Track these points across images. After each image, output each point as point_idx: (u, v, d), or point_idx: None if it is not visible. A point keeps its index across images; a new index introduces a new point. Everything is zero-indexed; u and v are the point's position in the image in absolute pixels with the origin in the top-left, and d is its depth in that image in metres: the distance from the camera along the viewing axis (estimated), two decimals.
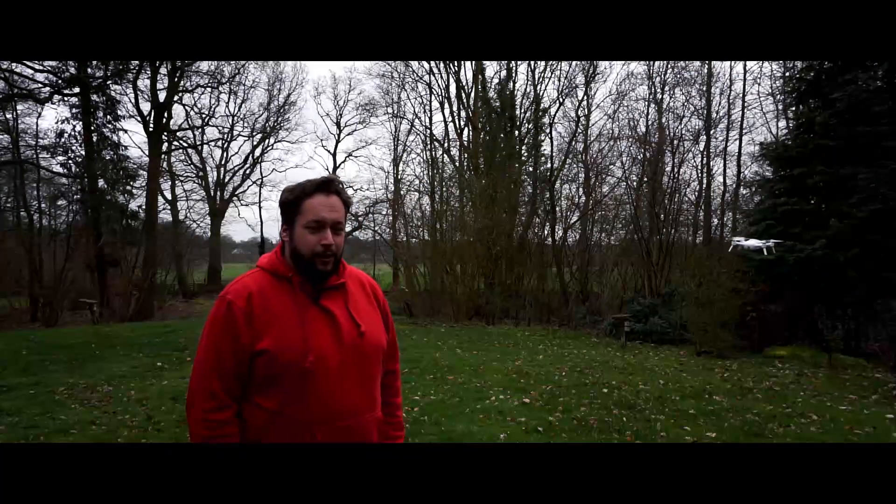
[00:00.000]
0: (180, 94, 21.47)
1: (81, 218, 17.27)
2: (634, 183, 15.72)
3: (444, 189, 18.37)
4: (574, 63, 17.53)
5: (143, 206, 18.89)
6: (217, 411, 1.33)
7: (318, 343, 1.36)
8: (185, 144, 27.07)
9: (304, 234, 1.38)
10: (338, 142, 33.12)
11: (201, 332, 1.40)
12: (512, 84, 19.14)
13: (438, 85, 21.67)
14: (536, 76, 18.24)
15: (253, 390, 1.37)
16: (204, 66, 20.96)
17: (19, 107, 18.10)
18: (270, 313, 1.36)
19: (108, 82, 17.74)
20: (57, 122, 28.93)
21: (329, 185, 1.41)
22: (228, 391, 1.35)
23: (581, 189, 17.35)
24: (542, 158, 18.59)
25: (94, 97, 17.33)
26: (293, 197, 1.40)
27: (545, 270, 16.38)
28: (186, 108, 26.67)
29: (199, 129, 27.60)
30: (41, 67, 15.65)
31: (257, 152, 30.74)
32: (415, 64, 21.03)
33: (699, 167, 15.73)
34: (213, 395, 1.33)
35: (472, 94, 19.72)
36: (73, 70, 16.35)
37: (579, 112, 17.69)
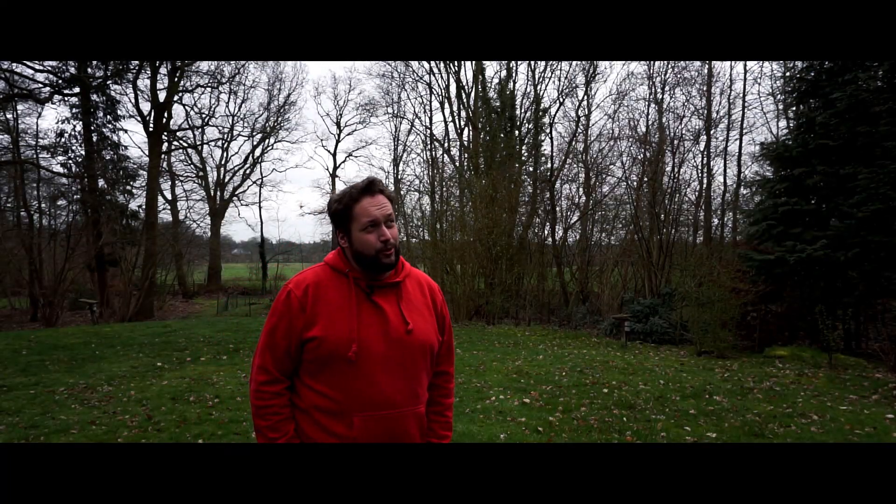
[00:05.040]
0: (180, 94, 21.50)
1: (81, 218, 17.27)
2: (634, 183, 15.72)
3: (444, 189, 18.39)
4: (574, 63, 17.55)
5: (143, 206, 18.91)
6: (269, 384, 1.46)
7: (364, 335, 1.44)
8: (185, 144, 27.11)
9: (362, 236, 1.48)
10: (338, 142, 33.19)
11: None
12: (512, 84, 19.17)
13: (438, 85, 21.70)
14: (536, 76, 18.26)
15: (304, 372, 1.49)
16: (204, 66, 21.01)
17: (19, 107, 18.14)
18: (324, 303, 1.47)
19: (108, 82, 17.75)
20: (57, 122, 29.03)
21: (373, 187, 1.50)
22: (280, 369, 1.47)
23: (581, 189, 17.38)
24: (542, 158, 18.61)
25: (94, 97, 17.34)
26: (342, 206, 1.50)
27: (545, 270, 16.38)
28: (186, 108, 26.76)
29: (199, 129, 27.66)
30: (41, 67, 15.67)
31: (257, 152, 30.80)
32: (415, 64, 21.07)
33: (699, 167, 15.74)
34: (266, 370, 1.47)
35: (472, 94, 19.73)
36: (73, 70, 16.36)
37: (579, 112, 17.71)
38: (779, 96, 15.02)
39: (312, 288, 1.47)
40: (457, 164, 19.89)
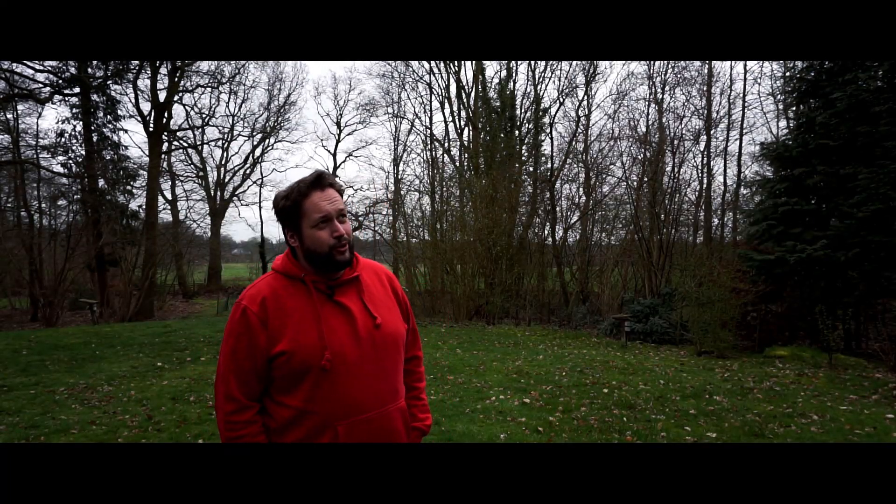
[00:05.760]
0: (180, 94, 21.50)
1: (81, 218, 17.27)
2: (634, 183, 15.72)
3: (444, 189, 18.39)
4: (574, 63, 17.55)
5: (143, 206, 18.91)
6: (237, 413, 1.36)
7: (334, 340, 1.37)
8: (185, 144, 27.12)
9: (314, 233, 1.39)
10: (338, 142, 33.17)
11: (222, 337, 1.43)
12: (512, 84, 19.16)
13: (438, 85, 21.70)
14: (536, 76, 18.26)
15: (275, 390, 1.39)
16: (204, 66, 21.01)
17: (20, 107, 18.15)
18: (285, 315, 1.37)
19: (108, 82, 17.74)
20: (57, 122, 29.03)
21: (322, 180, 1.42)
22: (247, 394, 1.37)
23: (581, 189, 17.38)
24: (542, 158, 18.60)
25: (94, 97, 17.34)
26: (291, 202, 1.41)
27: (545, 270, 16.38)
28: (186, 108, 26.78)
29: (199, 129, 27.67)
30: (41, 67, 15.68)
31: (257, 152, 30.79)
32: (415, 64, 21.06)
33: (699, 167, 15.74)
34: (232, 398, 1.36)
35: (473, 94, 19.72)
36: (73, 70, 16.36)
37: (579, 112, 17.71)
38: (779, 96, 15.02)
39: (270, 300, 1.37)
40: (457, 164, 19.89)
